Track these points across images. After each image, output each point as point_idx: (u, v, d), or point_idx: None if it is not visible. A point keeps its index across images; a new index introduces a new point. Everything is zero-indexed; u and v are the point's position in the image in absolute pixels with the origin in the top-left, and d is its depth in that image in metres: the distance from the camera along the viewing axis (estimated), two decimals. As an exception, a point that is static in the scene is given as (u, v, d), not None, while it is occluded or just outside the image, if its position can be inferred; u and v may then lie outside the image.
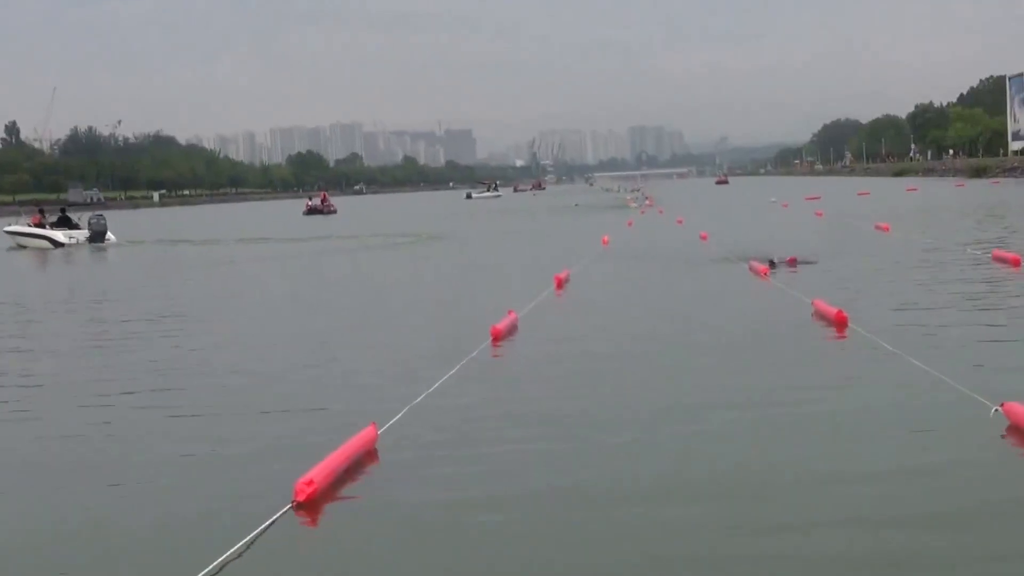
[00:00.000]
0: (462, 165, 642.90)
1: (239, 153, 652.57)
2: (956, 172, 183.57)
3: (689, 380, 16.64)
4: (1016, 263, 30.96)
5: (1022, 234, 46.55)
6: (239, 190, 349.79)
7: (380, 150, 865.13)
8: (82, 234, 77.21)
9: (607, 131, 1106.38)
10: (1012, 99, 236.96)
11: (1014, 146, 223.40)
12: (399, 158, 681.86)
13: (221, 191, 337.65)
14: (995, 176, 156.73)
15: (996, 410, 12.84)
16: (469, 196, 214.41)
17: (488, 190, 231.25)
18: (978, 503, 10.09)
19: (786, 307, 24.42)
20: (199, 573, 8.71)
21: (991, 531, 9.35)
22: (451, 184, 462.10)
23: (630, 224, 71.87)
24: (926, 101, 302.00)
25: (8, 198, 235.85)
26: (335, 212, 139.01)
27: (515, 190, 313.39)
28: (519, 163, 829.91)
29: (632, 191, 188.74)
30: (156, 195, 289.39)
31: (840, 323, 20.65)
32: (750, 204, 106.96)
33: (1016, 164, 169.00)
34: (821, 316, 22.10)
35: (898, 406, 14.03)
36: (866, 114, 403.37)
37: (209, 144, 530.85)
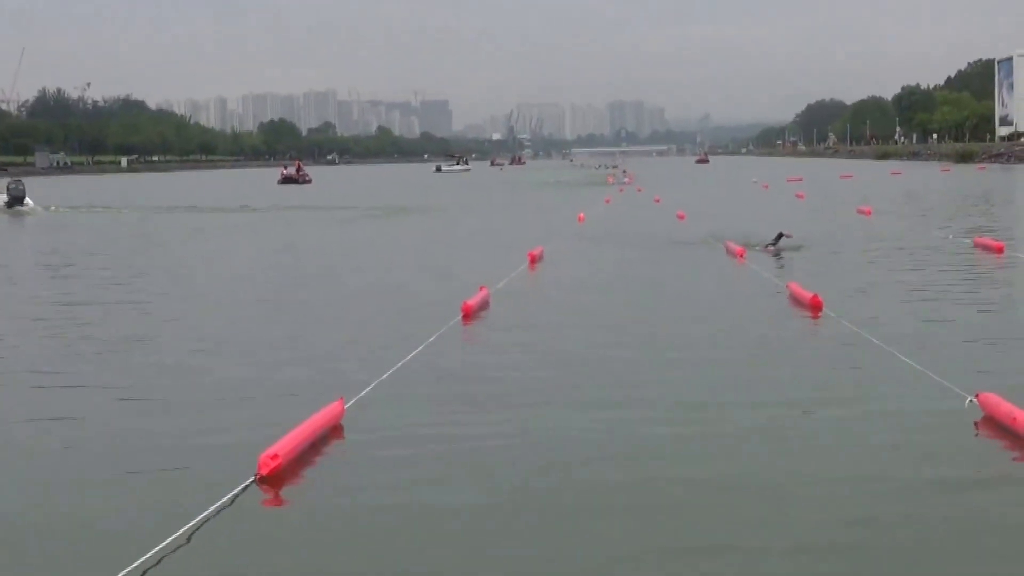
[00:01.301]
0: (437, 137, 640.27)
1: (210, 119, 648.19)
2: (942, 156, 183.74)
3: (657, 364, 16.66)
4: (999, 251, 31.23)
5: (1007, 221, 47.04)
6: (209, 157, 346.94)
7: (354, 119, 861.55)
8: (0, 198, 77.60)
9: (586, 106, 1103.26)
10: (1000, 83, 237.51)
11: (1001, 131, 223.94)
12: (373, 128, 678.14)
13: (191, 158, 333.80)
14: (981, 161, 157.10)
15: (971, 400, 12.91)
16: (439, 169, 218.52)
17: (457, 163, 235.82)
18: (950, 494, 10.21)
19: (761, 290, 24.59)
20: (162, 543, 8.77)
21: (963, 521, 9.46)
22: (425, 156, 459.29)
23: (607, 202, 72.00)
24: (913, 83, 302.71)
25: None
26: (310, 182, 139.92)
27: (492, 164, 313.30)
28: (496, 136, 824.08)
29: (611, 168, 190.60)
30: (124, 160, 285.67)
31: (815, 307, 20.77)
32: (730, 184, 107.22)
33: (1003, 150, 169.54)
34: (796, 300, 22.21)
35: (870, 395, 14.10)
36: (851, 95, 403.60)
37: (180, 109, 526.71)
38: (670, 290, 25.89)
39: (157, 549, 8.71)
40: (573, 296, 25.03)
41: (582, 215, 52.96)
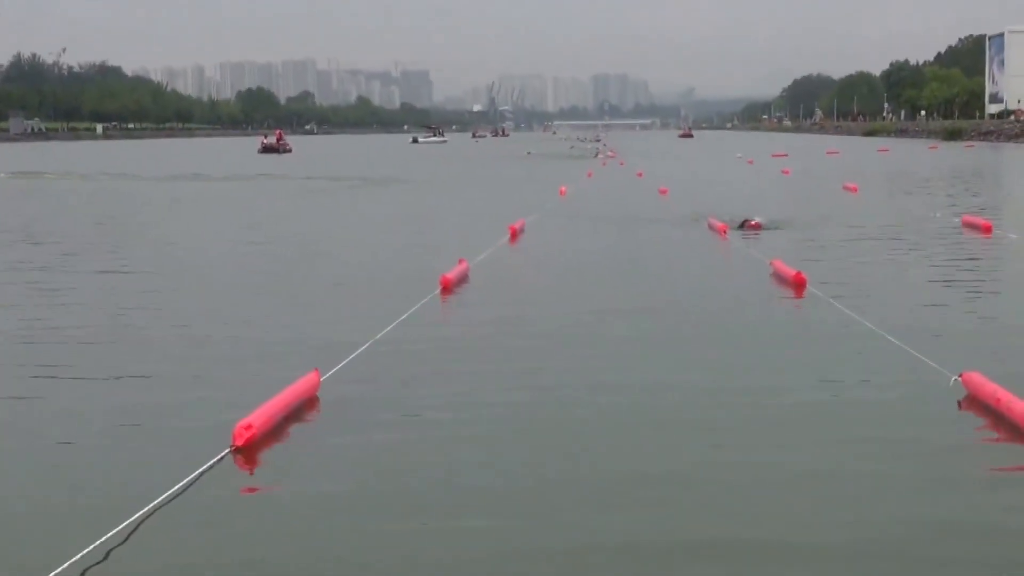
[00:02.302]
0: (417, 108, 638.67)
1: (187, 87, 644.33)
2: (930, 134, 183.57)
3: (636, 342, 16.65)
4: (987, 230, 31.34)
5: (995, 200, 47.32)
6: (186, 125, 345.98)
7: (333, 89, 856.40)
8: None
9: (570, 78, 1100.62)
10: (991, 60, 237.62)
11: (991, 109, 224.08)
12: (353, 98, 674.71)
13: (167, 126, 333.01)
14: (970, 139, 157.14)
15: (955, 380, 12.93)
16: (415, 140, 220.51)
17: (434, 135, 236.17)
18: (933, 475, 10.23)
19: (744, 267, 24.58)
20: (134, 515, 8.77)
21: (944, 504, 9.48)
22: (405, 127, 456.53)
23: (590, 175, 71.86)
24: (902, 59, 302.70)
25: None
26: (290, 151, 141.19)
27: (474, 135, 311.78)
28: (477, 108, 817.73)
29: (593, 141, 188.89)
30: (100, 127, 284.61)
31: (798, 285, 20.80)
32: (714, 159, 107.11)
33: (992, 128, 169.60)
34: (780, 277, 22.18)
35: (854, 373, 14.12)
36: (839, 70, 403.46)
37: (156, 76, 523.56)
38: (652, 266, 25.87)
39: (129, 521, 8.70)
40: (554, 271, 24.98)
41: (564, 189, 52.83)
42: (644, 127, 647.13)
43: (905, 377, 13.76)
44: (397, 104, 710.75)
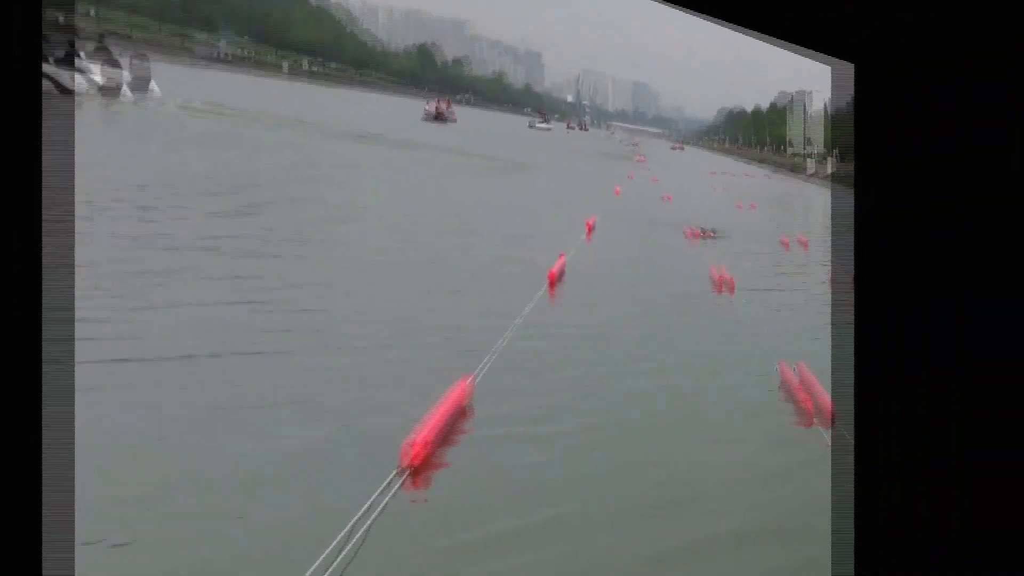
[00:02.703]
0: (535, 91, 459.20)
1: (367, 25, 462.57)
2: (794, 166, 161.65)
3: (641, 340, 14.97)
4: (805, 245, 32.44)
5: (808, 223, 46.81)
6: (363, 75, 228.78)
7: (480, 57, 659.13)
8: (116, 75, 45.00)
9: (620, 80, 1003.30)
10: (801, 114, 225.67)
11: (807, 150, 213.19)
12: (490, 69, 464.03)
13: (349, 71, 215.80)
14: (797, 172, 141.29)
15: (775, 367, 12.48)
16: (532, 126, 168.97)
17: (543, 122, 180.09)
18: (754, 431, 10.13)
19: (693, 270, 23.18)
20: (321, 556, 6.76)
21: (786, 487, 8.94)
22: (527, 110, 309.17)
23: (631, 177, 65.27)
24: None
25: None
26: (455, 121, 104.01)
27: (568, 127, 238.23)
28: (569, 99, 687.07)
29: (632, 145, 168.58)
30: (286, 65, 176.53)
31: (730, 286, 20.43)
32: (692, 171, 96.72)
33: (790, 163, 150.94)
34: (716, 282, 21.64)
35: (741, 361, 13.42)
36: (760, 100, 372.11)
37: (339, 10, 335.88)
38: (658, 270, 23.45)
39: (320, 561, 6.71)
40: (609, 272, 21.73)
41: (618, 189, 48.56)
42: (657, 136, 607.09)
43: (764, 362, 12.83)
44: (521, 82, 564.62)
